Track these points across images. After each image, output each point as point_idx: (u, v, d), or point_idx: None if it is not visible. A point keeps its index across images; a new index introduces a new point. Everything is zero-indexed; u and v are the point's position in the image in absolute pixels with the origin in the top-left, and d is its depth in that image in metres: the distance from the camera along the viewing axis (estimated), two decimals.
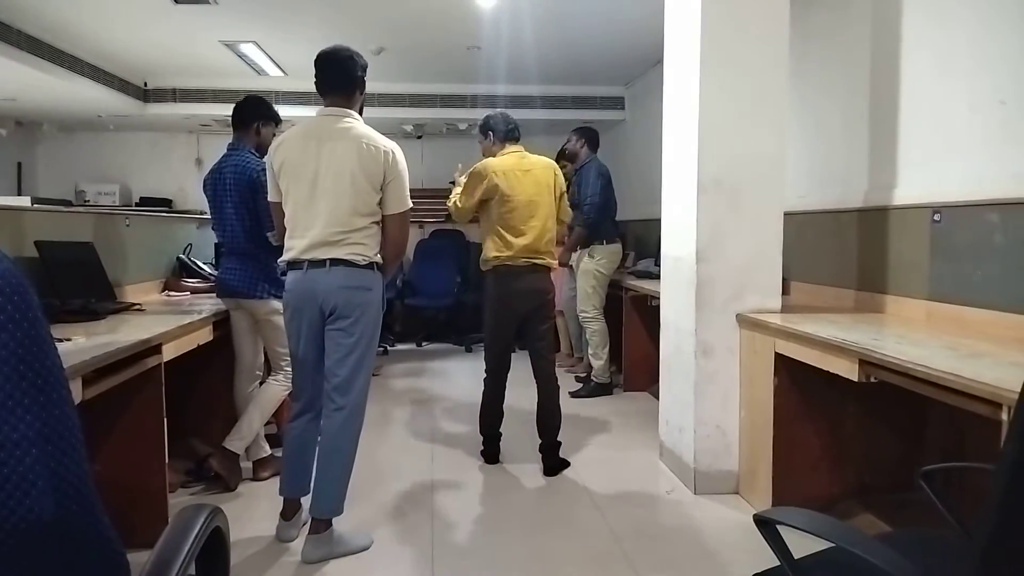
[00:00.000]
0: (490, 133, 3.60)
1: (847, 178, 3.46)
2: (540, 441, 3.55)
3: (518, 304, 3.47)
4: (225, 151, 3.34)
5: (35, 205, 4.39)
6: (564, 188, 3.63)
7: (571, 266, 5.29)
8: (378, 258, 2.66)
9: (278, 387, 3.34)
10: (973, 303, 2.62)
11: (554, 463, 3.51)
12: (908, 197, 3.01)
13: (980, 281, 2.61)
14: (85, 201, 7.65)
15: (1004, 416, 1.63)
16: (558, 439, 3.55)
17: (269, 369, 3.50)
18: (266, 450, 3.40)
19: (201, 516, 0.95)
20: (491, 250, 3.47)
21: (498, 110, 3.70)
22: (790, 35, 3.10)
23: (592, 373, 5.11)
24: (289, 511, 2.74)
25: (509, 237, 3.43)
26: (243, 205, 3.19)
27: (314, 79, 2.69)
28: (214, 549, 0.97)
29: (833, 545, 1.22)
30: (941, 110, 2.85)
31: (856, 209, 3.35)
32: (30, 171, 7.87)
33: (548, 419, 3.54)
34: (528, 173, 3.47)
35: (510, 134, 3.57)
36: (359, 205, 2.57)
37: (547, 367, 3.56)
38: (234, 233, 3.25)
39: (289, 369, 3.13)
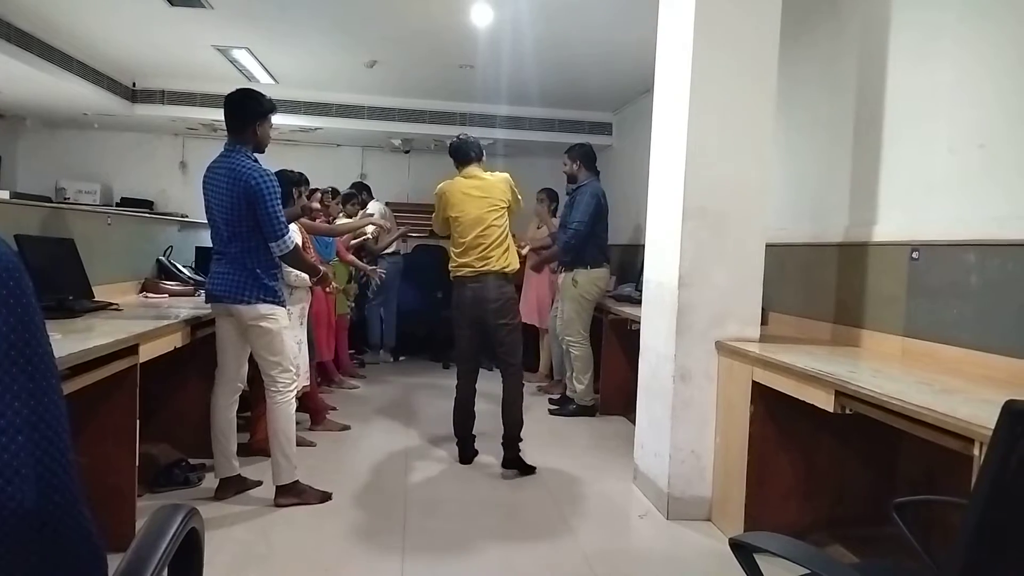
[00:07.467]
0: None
1: (828, 213, 3.52)
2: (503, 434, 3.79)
3: (468, 311, 3.76)
4: (222, 151, 3.13)
5: (14, 200, 4.33)
6: (514, 192, 3.84)
7: (557, 287, 5.31)
8: None
9: (283, 406, 3.17)
10: (947, 341, 2.67)
11: (512, 455, 3.75)
12: (887, 234, 3.07)
13: (955, 319, 2.66)
14: (65, 199, 7.52)
15: (976, 451, 1.66)
16: (520, 435, 3.77)
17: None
18: (235, 468, 3.28)
19: (178, 516, 0.93)
20: (451, 264, 3.84)
21: (458, 135, 4.01)
22: (777, 77, 3.16)
23: (576, 397, 5.10)
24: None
25: (457, 251, 3.79)
26: (235, 210, 3.04)
27: (455, 158, 3.87)
28: (189, 550, 0.96)
29: (807, 572, 1.23)
30: (922, 151, 2.92)
31: (836, 244, 3.40)
32: (10, 165, 7.76)
33: (508, 413, 3.77)
34: (474, 190, 3.77)
35: (461, 157, 3.86)
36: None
37: (509, 368, 3.82)
38: (222, 238, 3.12)
39: (283, 377, 3.16)
